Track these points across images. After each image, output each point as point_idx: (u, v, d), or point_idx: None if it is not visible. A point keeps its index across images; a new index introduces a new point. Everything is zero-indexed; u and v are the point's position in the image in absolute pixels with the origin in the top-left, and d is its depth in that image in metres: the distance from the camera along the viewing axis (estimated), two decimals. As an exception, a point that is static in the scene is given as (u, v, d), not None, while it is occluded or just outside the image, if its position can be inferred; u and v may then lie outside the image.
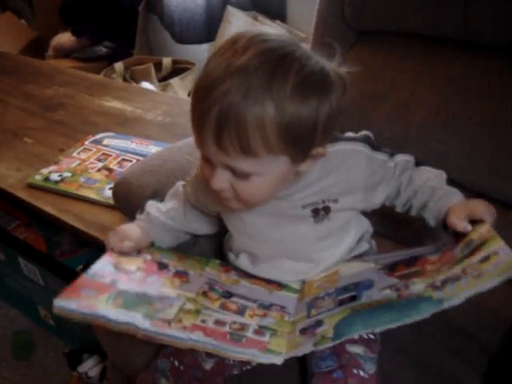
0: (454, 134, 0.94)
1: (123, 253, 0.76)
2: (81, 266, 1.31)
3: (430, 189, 0.74)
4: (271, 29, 0.65)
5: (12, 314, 1.58)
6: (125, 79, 2.12)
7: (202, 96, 0.60)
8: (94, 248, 1.14)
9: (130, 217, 0.88)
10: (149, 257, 0.78)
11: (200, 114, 0.60)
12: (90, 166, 1.29)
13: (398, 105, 1.00)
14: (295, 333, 0.66)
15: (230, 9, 2.06)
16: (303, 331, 0.65)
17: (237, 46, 0.60)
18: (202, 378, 0.71)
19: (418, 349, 0.73)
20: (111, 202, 1.06)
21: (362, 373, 0.64)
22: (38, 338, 1.49)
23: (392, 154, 0.76)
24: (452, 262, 0.64)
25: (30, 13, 2.86)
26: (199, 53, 2.19)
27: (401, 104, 1.00)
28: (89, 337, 1.27)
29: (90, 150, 1.36)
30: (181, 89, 2.04)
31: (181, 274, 0.76)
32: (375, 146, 0.74)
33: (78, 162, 1.31)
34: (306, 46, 0.64)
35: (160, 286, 0.72)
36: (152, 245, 0.81)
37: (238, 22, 2.01)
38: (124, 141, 1.39)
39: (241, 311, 0.70)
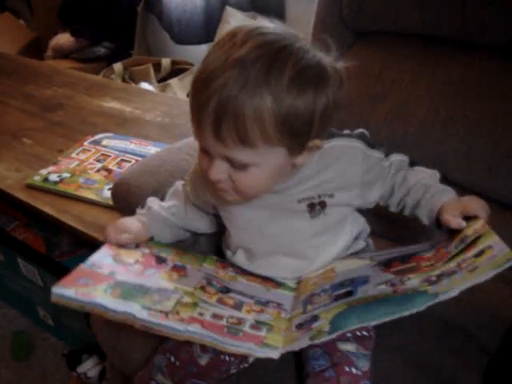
0: (453, 134, 0.94)
1: (121, 245, 0.76)
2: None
3: (423, 187, 0.74)
4: (270, 23, 0.66)
5: (11, 314, 1.58)
6: (124, 80, 2.12)
7: (200, 88, 0.61)
8: (93, 248, 1.14)
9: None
10: (147, 251, 0.78)
11: (199, 105, 0.61)
12: (89, 166, 1.29)
13: (397, 105, 1.00)
14: (291, 328, 0.66)
15: (229, 9, 2.06)
16: (299, 326, 0.65)
17: (236, 39, 0.61)
18: (198, 373, 0.72)
19: (417, 348, 0.74)
20: (110, 202, 1.06)
21: (354, 370, 0.64)
22: (36, 339, 1.49)
23: (387, 154, 0.77)
24: (446, 259, 0.64)
25: (29, 13, 2.86)
26: (198, 53, 2.19)
27: (400, 104, 1.00)
28: (88, 337, 1.28)
29: (88, 150, 1.36)
30: (180, 89, 2.04)
31: (179, 269, 0.76)
32: (371, 143, 0.75)
33: (77, 162, 1.31)
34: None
35: (158, 279, 0.72)
36: (151, 239, 0.82)
37: (236, 23, 2.01)
38: (123, 141, 1.39)
39: (238, 306, 0.70)
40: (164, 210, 0.83)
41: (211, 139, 0.62)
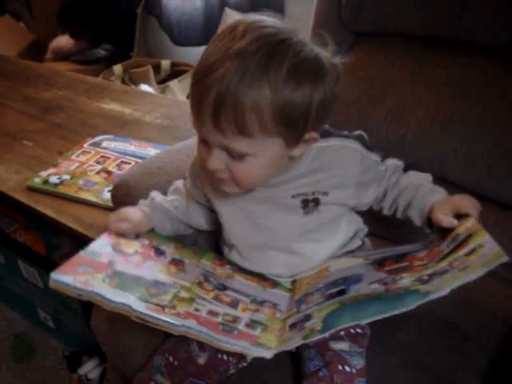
0: (452, 135, 0.94)
1: (120, 233, 0.77)
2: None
3: (414, 188, 0.76)
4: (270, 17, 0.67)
5: (12, 316, 1.58)
6: (123, 82, 2.12)
7: (201, 78, 0.63)
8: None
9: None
10: (146, 242, 0.79)
11: (198, 95, 0.63)
12: (89, 168, 1.29)
13: (397, 105, 1.01)
14: (285, 329, 0.66)
15: (228, 11, 2.06)
16: (292, 326, 0.65)
17: (236, 32, 0.62)
18: (197, 372, 0.72)
19: (417, 348, 0.74)
20: (110, 204, 1.06)
21: (348, 368, 0.64)
22: (37, 341, 1.49)
23: (383, 159, 0.78)
24: (439, 258, 0.65)
25: (29, 16, 2.87)
26: (198, 55, 2.16)
27: (399, 105, 1.01)
28: (88, 339, 1.27)
29: (88, 152, 1.36)
30: (180, 91, 2.04)
31: (177, 262, 0.77)
32: (369, 146, 0.76)
33: (76, 164, 1.31)
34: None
35: (156, 271, 0.73)
36: (151, 231, 0.82)
37: (236, 24, 2.02)
38: (123, 143, 1.39)
39: (234, 304, 0.71)
40: (166, 203, 0.84)
41: (210, 129, 0.63)
